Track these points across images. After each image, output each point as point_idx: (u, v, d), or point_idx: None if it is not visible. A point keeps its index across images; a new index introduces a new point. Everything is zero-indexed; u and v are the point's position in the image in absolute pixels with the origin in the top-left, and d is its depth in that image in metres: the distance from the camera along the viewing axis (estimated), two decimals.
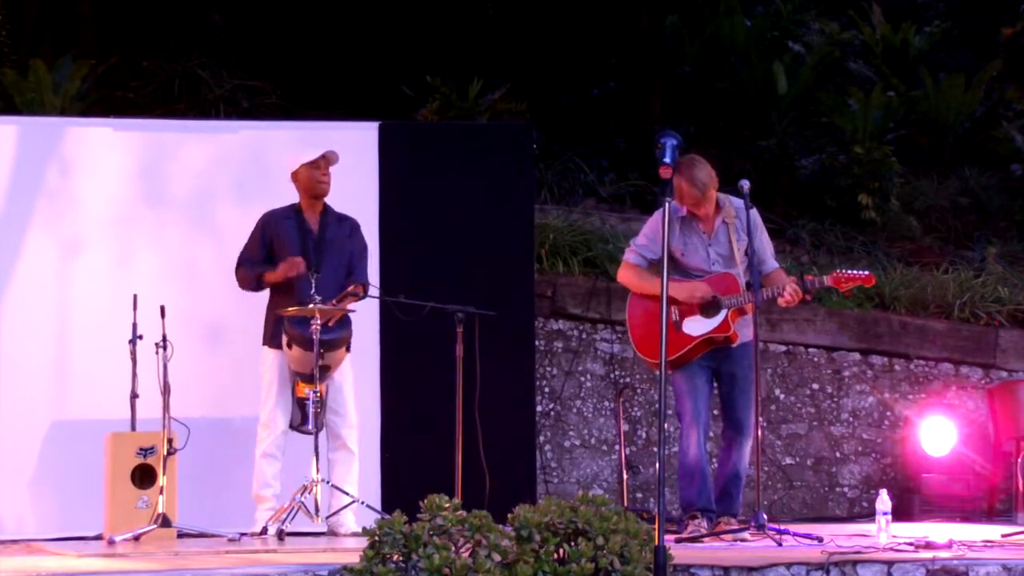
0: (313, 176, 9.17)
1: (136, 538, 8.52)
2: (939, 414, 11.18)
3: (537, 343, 10.72)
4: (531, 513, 6.52)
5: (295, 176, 9.22)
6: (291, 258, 9.04)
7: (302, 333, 8.86)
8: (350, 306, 9.11)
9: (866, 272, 9.02)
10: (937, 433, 11.06)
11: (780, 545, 8.08)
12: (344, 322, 9.05)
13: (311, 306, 8.82)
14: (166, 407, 8.75)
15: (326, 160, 9.17)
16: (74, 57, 12.91)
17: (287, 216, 9.21)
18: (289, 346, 8.97)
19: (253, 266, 9.18)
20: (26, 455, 9.39)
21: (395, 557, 6.43)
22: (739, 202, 8.81)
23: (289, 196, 9.29)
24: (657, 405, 10.72)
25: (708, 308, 8.76)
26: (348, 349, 9.15)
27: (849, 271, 9.01)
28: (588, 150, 13.59)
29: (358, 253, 9.26)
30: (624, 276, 9.01)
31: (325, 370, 8.94)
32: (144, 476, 8.87)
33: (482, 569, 6.31)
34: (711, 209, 8.81)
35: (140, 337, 8.96)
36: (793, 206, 13.44)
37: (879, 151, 13.23)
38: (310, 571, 6.75)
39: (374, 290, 9.30)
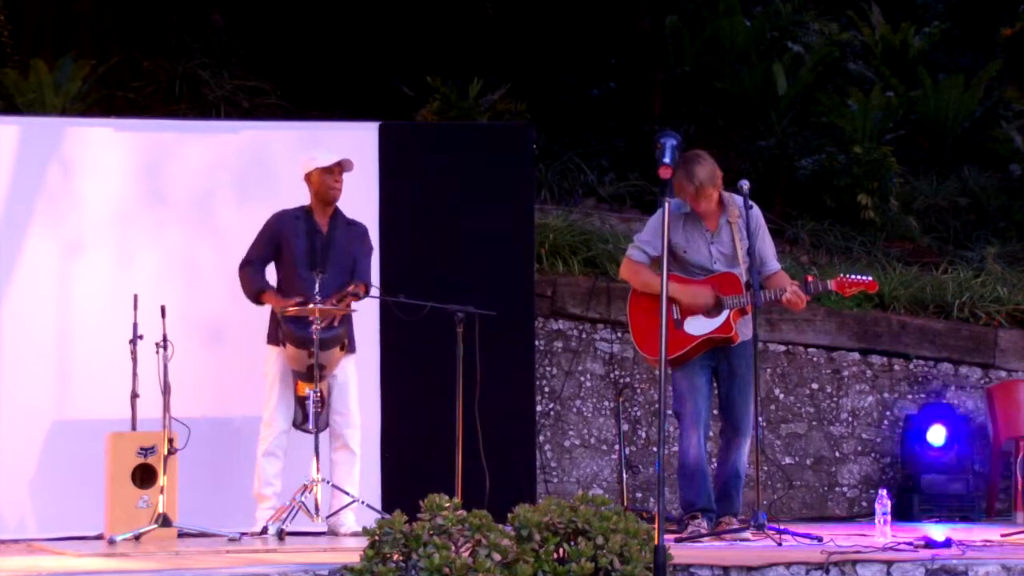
0: (326, 182, 9.19)
1: (136, 538, 8.53)
2: (938, 414, 11.18)
3: (537, 343, 10.72)
4: (531, 513, 6.53)
5: (308, 178, 9.24)
6: (290, 299, 9.00)
7: (295, 331, 8.88)
8: (351, 305, 9.13)
9: (869, 278, 8.98)
10: (937, 433, 11.07)
11: (780, 545, 8.08)
12: (337, 320, 9.05)
13: (311, 306, 8.83)
14: (166, 407, 8.76)
15: (341, 167, 9.20)
16: (75, 57, 12.92)
17: (297, 216, 9.23)
18: (283, 344, 9.00)
19: (256, 273, 9.18)
20: (27, 455, 9.40)
21: (395, 557, 6.44)
22: (740, 200, 8.81)
23: (290, 196, 9.31)
24: (657, 405, 10.73)
25: (710, 308, 8.76)
26: (345, 349, 9.14)
27: (852, 276, 8.98)
28: (588, 150, 13.60)
29: (364, 254, 9.27)
30: (627, 273, 8.99)
31: (320, 369, 8.93)
32: (144, 476, 8.88)
33: (482, 569, 6.32)
34: (710, 207, 8.79)
35: (141, 337, 8.97)
36: (792, 206, 13.45)
37: (878, 151, 13.24)
38: (310, 571, 6.75)
39: (374, 290, 9.31)
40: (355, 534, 8.75)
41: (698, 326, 8.74)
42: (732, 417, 8.82)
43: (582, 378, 11.19)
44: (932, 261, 12.68)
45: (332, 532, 8.99)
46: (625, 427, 10.93)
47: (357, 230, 9.31)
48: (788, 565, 7.12)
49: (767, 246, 8.91)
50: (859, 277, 8.97)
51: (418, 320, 9.21)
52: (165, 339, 8.87)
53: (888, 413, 11.47)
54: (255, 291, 9.17)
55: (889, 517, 8.51)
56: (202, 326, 9.57)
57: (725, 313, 8.72)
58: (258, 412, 9.22)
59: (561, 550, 6.50)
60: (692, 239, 8.82)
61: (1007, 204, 13.72)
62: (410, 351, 9.69)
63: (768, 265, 8.88)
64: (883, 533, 8.38)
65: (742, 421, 8.79)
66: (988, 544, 8.08)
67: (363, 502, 9.05)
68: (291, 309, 8.92)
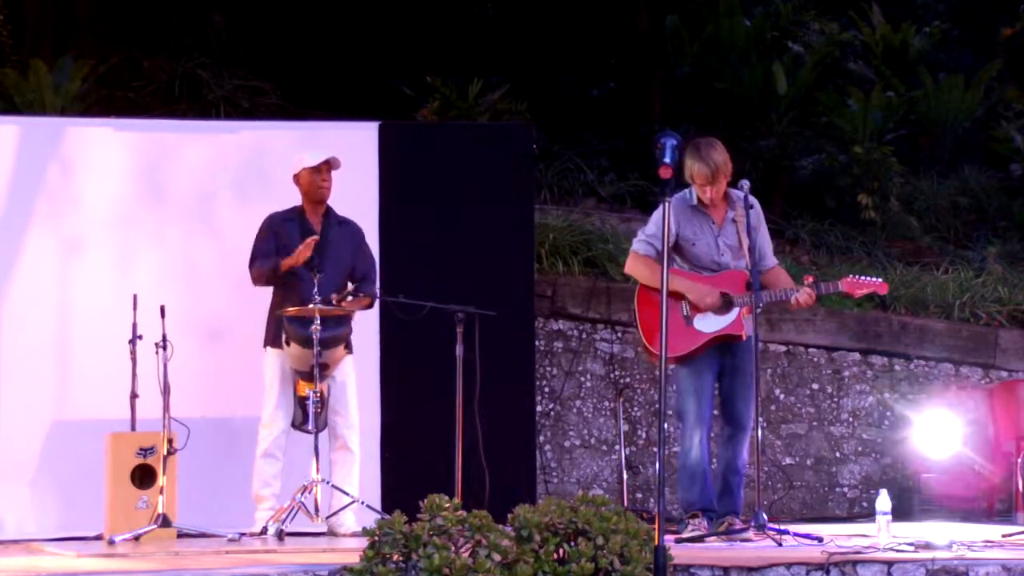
0: (314, 181, 9.20)
1: (136, 538, 8.53)
2: (939, 414, 11.17)
3: (537, 343, 10.72)
4: (531, 513, 6.52)
5: (297, 179, 9.24)
6: (307, 240, 8.99)
7: (298, 331, 8.88)
8: (349, 307, 9.13)
9: (879, 280, 8.92)
10: (937, 433, 11.06)
11: (780, 545, 8.08)
12: (342, 320, 9.05)
13: (311, 306, 8.83)
14: (166, 407, 8.76)
15: (328, 165, 9.20)
16: (75, 57, 12.93)
17: (289, 218, 9.23)
18: (287, 343, 8.99)
19: (267, 258, 9.16)
20: (26, 455, 9.40)
21: (395, 557, 6.43)
22: (740, 195, 8.80)
23: (289, 196, 9.31)
24: (657, 405, 10.72)
25: (717, 308, 8.73)
26: (348, 349, 9.16)
27: (862, 277, 8.94)
28: (588, 150, 13.60)
29: (370, 265, 9.28)
30: (634, 268, 8.87)
31: (323, 368, 8.93)
32: (144, 476, 8.88)
33: (482, 569, 6.32)
34: (719, 194, 8.77)
35: (140, 337, 8.96)
36: (793, 206, 13.45)
37: (879, 151, 13.24)
38: (310, 571, 6.75)
39: (374, 291, 9.31)
40: (355, 534, 8.75)
41: (709, 323, 8.70)
42: (734, 413, 8.80)
43: (582, 378, 11.19)
44: (933, 261, 12.68)
45: (332, 532, 8.98)
46: (625, 427, 10.93)
47: (350, 228, 9.31)
48: (788, 565, 7.11)
49: (767, 242, 8.91)
50: (869, 279, 8.93)
51: (418, 320, 9.21)
52: (165, 339, 8.87)
53: (888, 413, 11.47)
54: (270, 271, 9.09)
55: (890, 517, 8.50)
56: (202, 326, 9.56)
57: (735, 311, 8.69)
58: (258, 412, 9.22)
59: (561, 550, 6.49)
60: (700, 231, 8.78)
61: (1007, 204, 13.72)
62: (410, 351, 9.68)
63: (767, 259, 8.87)
64: (884, 534, 8.36)
65: (744, 417, 8.77)
66: (989, 544, 8.07)
67: (363, 502, 9.05)
68: (291, 309, 8.92)
